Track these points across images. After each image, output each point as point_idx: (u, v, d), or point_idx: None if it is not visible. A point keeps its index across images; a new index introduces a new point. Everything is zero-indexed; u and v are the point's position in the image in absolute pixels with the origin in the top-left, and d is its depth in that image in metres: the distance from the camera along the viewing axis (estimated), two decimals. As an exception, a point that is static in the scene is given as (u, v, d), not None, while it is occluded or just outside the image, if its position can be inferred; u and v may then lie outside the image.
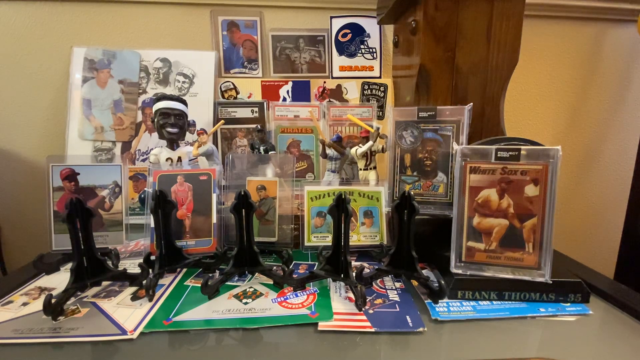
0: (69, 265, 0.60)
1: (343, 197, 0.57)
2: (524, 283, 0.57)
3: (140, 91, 1.03)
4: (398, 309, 0.55)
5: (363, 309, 0.55)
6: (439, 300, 0.57)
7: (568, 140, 1.26)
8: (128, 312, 0.54)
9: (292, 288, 0.61)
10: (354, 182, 0.82)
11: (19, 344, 0.47)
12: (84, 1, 1.03)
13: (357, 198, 0.77)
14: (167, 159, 0.80)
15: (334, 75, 1.12)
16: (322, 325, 0.51)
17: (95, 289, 0.61)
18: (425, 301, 0.57)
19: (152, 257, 0.66)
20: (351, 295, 0.59)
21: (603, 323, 0.53)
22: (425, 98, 0.84)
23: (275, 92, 1.09)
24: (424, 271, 0.62)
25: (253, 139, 0.91)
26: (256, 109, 1.06)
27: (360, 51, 1.11)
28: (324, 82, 1.10)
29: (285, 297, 0.59)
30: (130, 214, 0.90)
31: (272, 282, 0.63)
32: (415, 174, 0.73)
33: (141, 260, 0.65)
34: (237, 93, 1.09)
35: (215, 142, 1.05)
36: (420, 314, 0.54)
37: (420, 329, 0.50)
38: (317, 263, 0.72)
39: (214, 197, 0.72)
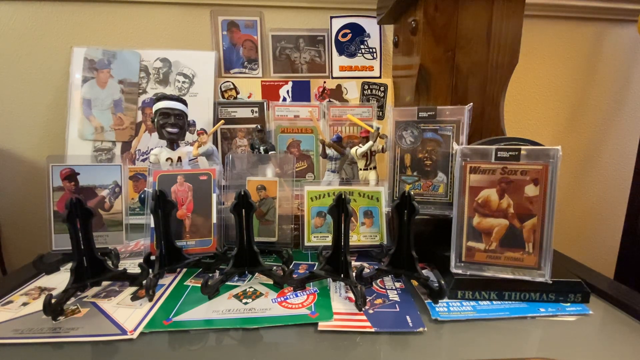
0: (69, 265, 0.60)
1: (343, 197, 0.57)
2: (524, 283, 0.57)
3: (140, 91, 1.03)
4: (398, 309, 0.55)
5: (363, 309, 0.55)
6: (439, 300, 0.57)
7: (568, 140, 1.26)
8: (128, 312, 0.54)
9: (292, 288, 0.61)
10: (354, 182, 0.82)
11: (19, 344, 0.47)
12: (84, 1, 1.03)
13: (357, 198, 0.77)
14: (167, 159, 0.80)
15: (334, 75, 1.12)
16: (322, 325, 0.51)
17: (95, 289, 0.61)
18: (425, 301, 0.57)
19: (152, 257, 0.66)
20: (351, 295, 0.59)
21: (603, 323, 0.53)
22: (425, 98, 0.84)
23: (275, 92, 1.09)
24: (424, 271, 0.62)
25: (253, 139, 0.91)
26: (256, 109, 1.06)
27: (360, 51, 1.11)
28: (324, 82, 1.10)
29: (285, 297, 0.59)
30: (130, 214, 0.90)
31: (272, 282, 0.63)
32: (415, 174, 0.73)
33: (141, 260, 0.65)
34: (237, 93, 1.09)
35: (215, 142, 1.05)
36: (420, 314, 0.54)
37: (420, 329, 0.50)
38: (317, 263, 0.72)
39: (214, 197, 0.72)
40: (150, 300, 0.57)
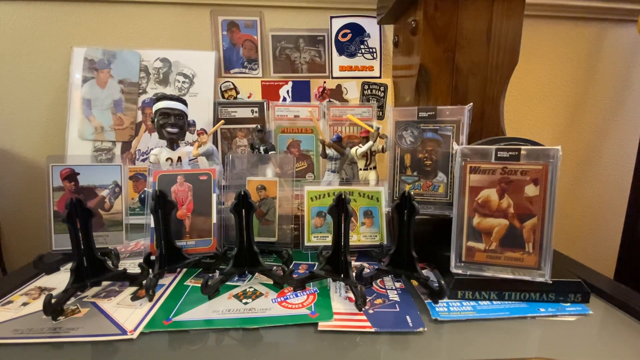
0: (69, 265, 0.60)
1: (343, 197, 0.57)
2: (524, 283, 0.57)
3: (140, 91, 1.03)
4: (398, 309, 0.55)
5: (363, 309, 0.55)
6: (439, 300, 0.57)
7: (568, 140, 1.26)
8: (128, 312, 0.54)
9: (292, 288, 0.61)
10: (354, 182, 0.82)
11: (19, 344, 0.47)
12: (84, 1, 1.03)
13: (357, 198, 0.77)
14: (167, 159, 0.80)
15: (334, 75, 1.12)
16: (322, 325, 0.51)
17: (95, 289, 0.61)
18: (425, 301, 0.57)
19: (152, 257, 0.66)
20: (351, 295, 0.59)
21: (603, 323, 0.53)
22: (425, 98, 0.84)
23: (275, 92, 1.09)
24: (424, 271, 0.62)
25: (253, 139, 0.91)
26: (256, 109, 1.06)
27: (360, 51, 1.11)
28: (324, 82, 1.10)
29: (285, 297, 0.59)
30: (130, 214, 0.90)
31: (272, 282, 0.63)
32: (415, 174, 0.73)
33: (141, 260, 0.65)
34: (237, 93, 1.09)
35: (215, 142, 1.05)
36: (420, 314, 0.54)
37: (420, 329, 0.50)
38: (317, 263, 0.72)
39: (214, 197, 0.72)
40: (150, 300, 0.57)
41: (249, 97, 1.09)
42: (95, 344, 0.48)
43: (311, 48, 1.11)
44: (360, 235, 0.76)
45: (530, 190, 0.57)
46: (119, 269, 0.63)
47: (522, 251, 0.58)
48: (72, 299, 0.58)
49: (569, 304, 0.57)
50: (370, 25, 1.10)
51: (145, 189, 0.80)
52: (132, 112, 1.02)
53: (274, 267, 0.64)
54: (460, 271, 0.59)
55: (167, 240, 0.66)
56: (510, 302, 0.57)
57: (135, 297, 0.59)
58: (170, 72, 1.05)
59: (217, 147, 0.96)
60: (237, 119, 1.06)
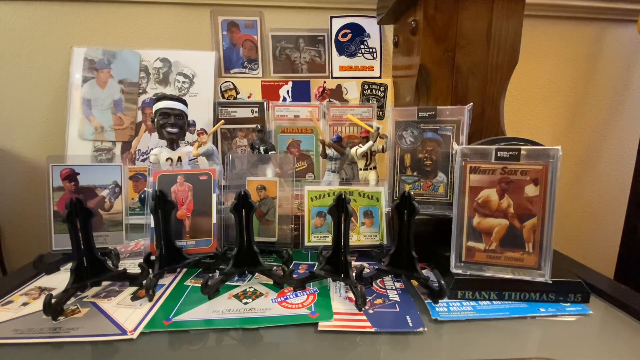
0: (69, 265, 0.60)
1: (343, 197, 0.57)
2: (524, 283, 0.57)
3: (140, 91, 1.03)
4: (398, 309, 0.55)
5: (363, 309, 0.55)
6: (439, 300, 0.57)
7: (568, 140, 1.26)
8: (128, 312, 0.54)
9: (292, 288, 0.61)
10: (354, 182, 0.82)
11: (19, 344, 0.47)
12: (84, 1, 1.03)
13: (357, 198, 0.77)
14: (167, 159, 0.80)
15: (334, 75, 1.12)
16: (322, 325, 0.51)
17: (95, 289, 0.61)
18: (425, 301, 0.57)
19: (152, 257, 0.66)
20: (351, 295, 0.59)
21: (603, 323, 0.53)
22: (425, 98, 0.84)
23: (275, 92, 1.09)
24: (424, 271, 0.62)
25: (253, 139, 0.91)
26: (256, 109, 1.06)
27: (360, 51, 1.11)
28: (324, 82, 1.10)
29: (285, 297, 0.59)
30: (130, 214, 0.90)
31: (272, 282, 0.63)
32: (415, 174, 0.73)
33: (141, 260, 0.65)
34: (237, 93, 1.09)
35: (215, 142, 1.05)
36: (420, 314, 0.54)
37: (420, 329, 0.50)
38: (317, 263, 0.72)
39: (214, 197, 0.72)
40: (150, 300, 0.57)
41: (249, 97, 1.09)
42: (95, 344, 0.48)
43: (311, 48, 1.11)
44: (360, 235, 0.76)
45: (530, 190, 0.57)
46: (119, 269, 0.63)
47: (522, 251, 0.58)
48: (72, 299, 0.58)
49: (569, 304, 0.57)
50: (370, 25, 1.10)
51: (145, 189, 0.80)
52: (132, 112, 1.02)
53: (274, 267, 0.64)
54: (460, 271, 0.59)
55: (167, 240, 0.66)
56: (510, 302, 0.57)
57: (135, 297, 0.59)
58: (170, 72, 1.05)
59: (217, 147, 0.96)
60: (237, 119, 1.06)
